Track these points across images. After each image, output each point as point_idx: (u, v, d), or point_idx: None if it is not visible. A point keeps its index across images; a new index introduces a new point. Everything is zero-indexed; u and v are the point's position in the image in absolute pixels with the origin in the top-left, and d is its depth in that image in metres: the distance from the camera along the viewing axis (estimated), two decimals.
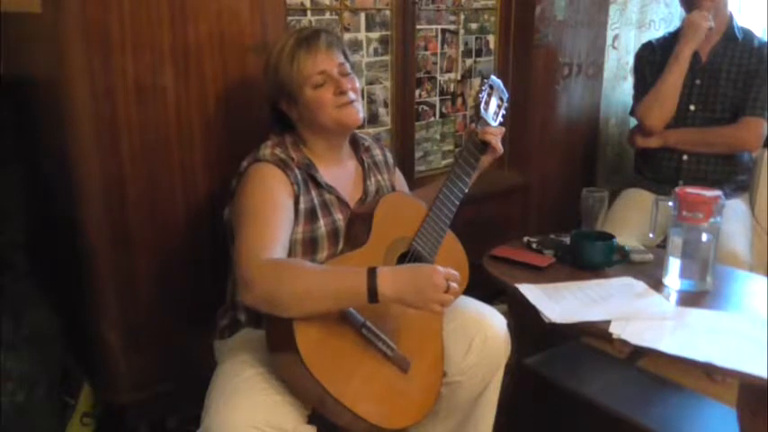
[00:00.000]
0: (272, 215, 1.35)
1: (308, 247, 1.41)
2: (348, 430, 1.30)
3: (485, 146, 1.57)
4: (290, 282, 1.23)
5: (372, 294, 1.22)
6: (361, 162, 1.59)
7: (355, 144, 1.60)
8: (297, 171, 1.42)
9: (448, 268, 1.27)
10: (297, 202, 1.41)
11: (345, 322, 1.28)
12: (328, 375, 1.22)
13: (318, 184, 1.46)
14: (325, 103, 1.44)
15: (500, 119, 1.65)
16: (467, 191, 1.54)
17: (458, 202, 1.52)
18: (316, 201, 1.44)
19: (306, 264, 1.32)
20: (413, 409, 1.34)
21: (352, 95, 1.46)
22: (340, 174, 1.53)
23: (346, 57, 1.50)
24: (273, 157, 1.42)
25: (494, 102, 1.64)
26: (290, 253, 1.38)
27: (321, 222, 1.43)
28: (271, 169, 1.40)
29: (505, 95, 1.69)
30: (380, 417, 1.27)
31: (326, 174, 1.48)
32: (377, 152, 1.64)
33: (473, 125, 1.62)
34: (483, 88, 1.64)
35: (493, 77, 1.68)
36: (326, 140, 1.50)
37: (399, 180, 1.71)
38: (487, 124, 1.58)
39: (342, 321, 1.28)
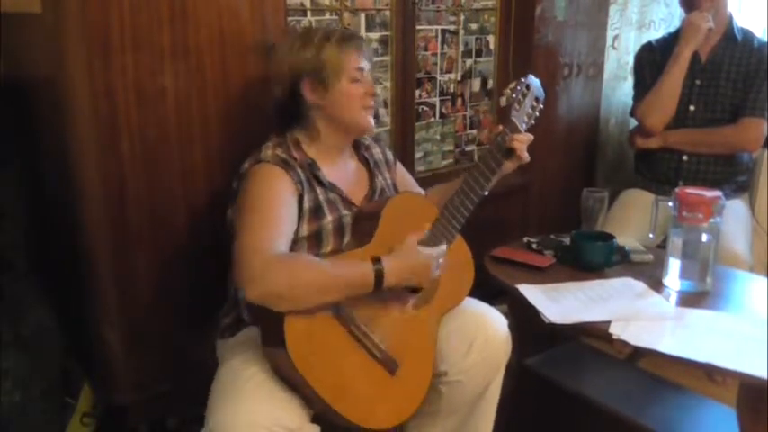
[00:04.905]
0: (275, 211, 1.35)
1: (313, 242, 1.42)
2: (348, 429, 1.30)
3: (510, 151, 1.51)
4: (300, 274, 1.24)
5: (379, 282, 1.28)
6: (365, 161, 1.59)
7: (356, 144, 1.60)
8: (299, 170, 1.42)
9: (437, 248, 1.39)
10: (301, 201, 1.40)
11: (336, 320, 1.29)
12: (312, 369, 1.23)
13: (322, 183, 1.46)
14: (356, 99, 1.46)
15: (532, 122, 1.57)
16: (484, 194, 1.49)
17: (472, 207, 1.46)
18: (321, 198, 1.44)
19: (311, 257, 1.33)
20: (395, 411, 1.35)
21: (374, 103, 1.50)
22: (342, 174, 1.52)
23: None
24: (275, 158, 1.41)
25: (527, 103, 1.54)
26: (295, 249, 1.39)
27: (329, 218, 1.43)
28: (273, 169, 1.40)
29: (542, 96, 1.59)
30: (360, 416, 1.28)
31: (329, 173, 1.48)
32: (376, 151, 1.64)
33: (501, 126, 1.52)
34: (518, 87, 1.53)
35: (531, 76, 1.58)
36: (336, 137, 1.50)
37: (402, 175, 1.70)
38: (517, 129, 1.51)
39: (332, 319, 1.28)
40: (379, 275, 1.28)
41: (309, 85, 1.45)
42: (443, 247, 1.41)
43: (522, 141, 1.51)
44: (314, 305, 1.25)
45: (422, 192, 1.73)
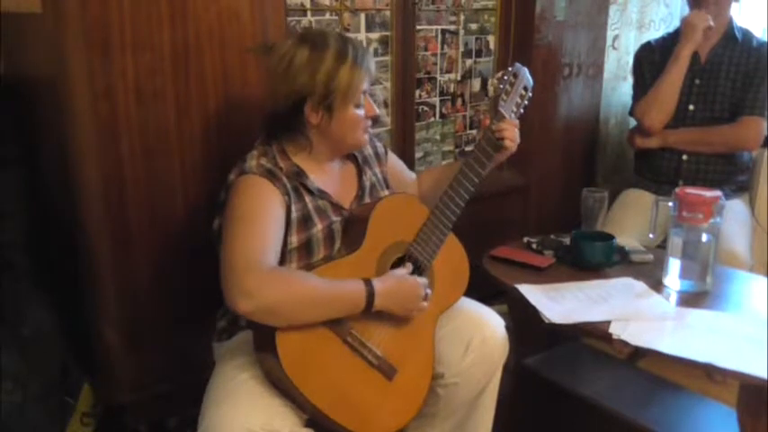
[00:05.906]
0: (264, 223, 1.32)
1: (304, 251, 1.39)
2: None
3: (500, 144, 1.49)
4: (294, 291, 1.23)
5: (369, 305, 1.28)
6: (353, 157, 1.55)
7: None
8: (286, 180, 1.38)
9: (423, 278, 1.38)
10: (289, 212, 1.37)
11: (330, 329, 1.27)
12: (304, 377, 1.22)
13: (310, 191, 1.42)
14: (360, 125, 1.44)
15: (521, 111, 1.54)
16: (474, 190, 1.48)
17: (463, 204, 1.46)
18: (310, 206, 1.41)
19: (305, 273, 1.30)
20: (394, 418, 1.34)
21: (371, 122, 1.48)
22: (330, 177, 1.49)
23: None
24: (260, 168, 1.37)
25: (516, 92, 1.51)
26: (286, 260, 1.37)
27: (319, 227, 1.40)
28: (259, 180, 1.35)
29: (530, 84, 1.55)
30: (358, 424, 1.27)
31: (317, 179, 1.44)
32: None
33: (488, 121, 1.53)
34: (505, 77, 1.51)
35: (518, 65, 1.55)
36: (329, 152, 1.47)
37: (393, 165, 1.66)
38: (504, 118, 1.49)
39: (326, 328, 1.27)
40: (370, 300, 1.28)
41: (314, 107, 1.39)
42: (424, 279, 1.39)
43: (507, 129, 1.49)
44: (304, 322, 1.24)
45: (413, 176, 1.71)
